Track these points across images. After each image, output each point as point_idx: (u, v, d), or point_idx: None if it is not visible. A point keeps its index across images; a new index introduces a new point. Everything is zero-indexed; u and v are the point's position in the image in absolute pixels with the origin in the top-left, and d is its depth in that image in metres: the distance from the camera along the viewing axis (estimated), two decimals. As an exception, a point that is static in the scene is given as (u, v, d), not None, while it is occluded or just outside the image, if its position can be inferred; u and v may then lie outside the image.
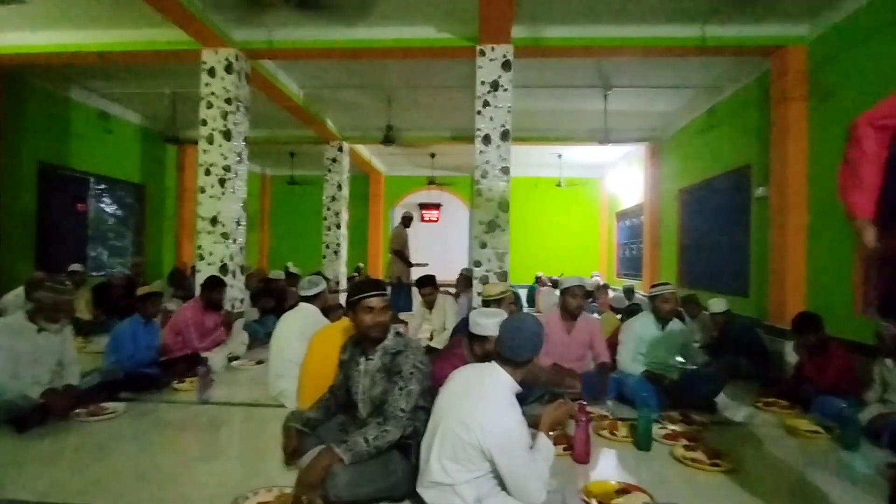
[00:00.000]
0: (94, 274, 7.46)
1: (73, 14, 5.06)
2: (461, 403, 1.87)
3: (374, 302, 2.24)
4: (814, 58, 4.82)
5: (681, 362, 3.97)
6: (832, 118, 4.54)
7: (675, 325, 3.85)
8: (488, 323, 2.55)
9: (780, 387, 3.97)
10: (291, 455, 2.36)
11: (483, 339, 2.63)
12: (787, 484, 2.48)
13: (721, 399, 3.69)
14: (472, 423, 1.78)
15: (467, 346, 2.82)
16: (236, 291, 5.53)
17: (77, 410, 3.07)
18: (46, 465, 2.48)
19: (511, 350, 1.93)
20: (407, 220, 7.94)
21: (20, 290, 5.29)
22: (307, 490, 1.91)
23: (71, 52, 5.49)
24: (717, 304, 5.04)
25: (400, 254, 7.74)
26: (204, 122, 5.41)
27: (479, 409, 1.81)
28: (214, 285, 4.68)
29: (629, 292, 8.08)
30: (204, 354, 4.30)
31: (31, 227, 6.69)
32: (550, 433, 2.04)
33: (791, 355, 4.51)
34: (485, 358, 2.61)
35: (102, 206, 8.20)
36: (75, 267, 6.42)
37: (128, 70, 6.40)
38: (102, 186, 8.09)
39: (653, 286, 3.94)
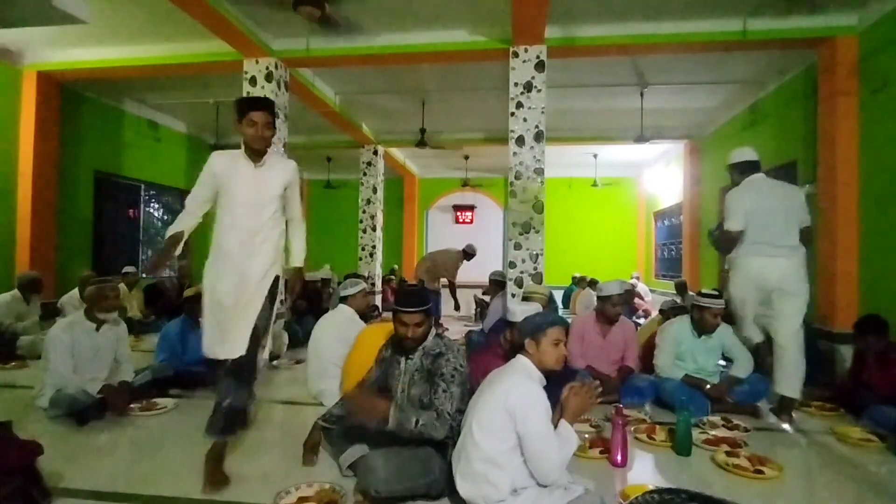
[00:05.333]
0: (144, 276, 7.83)
1: (125, 30, 5.34)
2: (490, 387, 2.01)
3: (408, 318, 2.30)
4: (864, 49, 4.60)
5: (722, 366, 3.84)
6: (884, 111, 4.33)
7: (716, 332, 3.64)
8: (516, 310, 2.92)
9: (833, 392, 3.81)
10: (310, 449, 2.51)
11: (514, 324, 2.91)
12: (835, 494, 2.38)
13: (765, 403, 3.57)
14: (498, 389, 1.94)
15: (504, 336, 3.08)
16: (276, 293, 5.68)
17: (131, 405, 3.25)
18: (104, 458, 2.65)
19: (521, 335, 2.11)
20: (470, 255, 7.70)
21: (75, 292, 5.62)
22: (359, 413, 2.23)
23: (124, 66, 5.81)
24: None
25: (451, 287, 7.81)
26: (245, 130, 5.60)
27: (505, 381, 1.97)
28: None
29: (681, 287, 7.88)
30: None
31: (87, 232, 7.08)
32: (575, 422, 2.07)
33: (844, 359, 4.33)
34: (513, 343, 2.92)
35: (151, 211, 8.59)
36: (128, 269, 6.81)
37: (175, 81, 6.70)
38: (152, 192, 8.49)
39: (701, 294, 3.66)
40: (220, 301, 2.42)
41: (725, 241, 3.41)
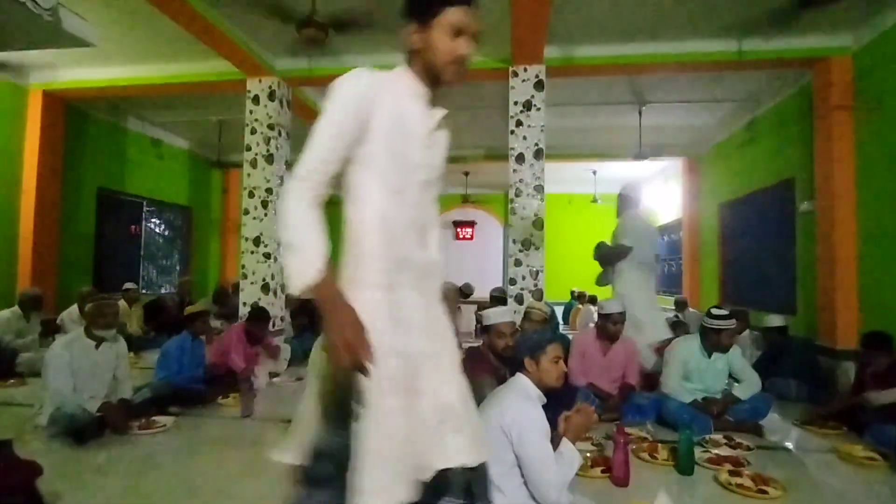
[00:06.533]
0: (144, 292, 7.83)
1: (130, 51, 5.43)
2: (488, 408, 2.02)
3: None
4: (859, 68, 4.67)
5: (725, 389, 3.80)
6: (879, 129, 4.38)
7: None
8: (489, 313, 3.07)
9: (835, 409, 3.78)
10: None
11: (489, 328, 3.06)
12: (840, 513, 2.36)
13: (768, 421, 3.55)
14: (495, 410, 1.95)
15: (483, 342, 3.17)
16: (277, 309, 5.70)
17: (131, 423, 3.23)
18: (103, 476, 2.62)
19: (520, 353, 2.12)
20: (466, 294, 7.68)
21: (75, 308, 5.62)
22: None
23: (128, 85, 5.90)
24: (774, 319, 4.80)
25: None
26: (248, 148, 5.67)
27: (502, 401, 1.99)
28: (256, 318, 4.61)
29: (681, 304, 7.84)
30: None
31: (89, 248, 7.11)
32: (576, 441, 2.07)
33: (846, 376, 4.31)
34: (492, 347, 3.05)
35: (153, 227, 8.63)
36: (129, 285, 6.80)
37: (179, 100, 6.78)
38: (153, 209, 8.54)
39: (712, 315, 3.54)
40: (418, 363, 1.26)
41: (616, 256, 4.59)
